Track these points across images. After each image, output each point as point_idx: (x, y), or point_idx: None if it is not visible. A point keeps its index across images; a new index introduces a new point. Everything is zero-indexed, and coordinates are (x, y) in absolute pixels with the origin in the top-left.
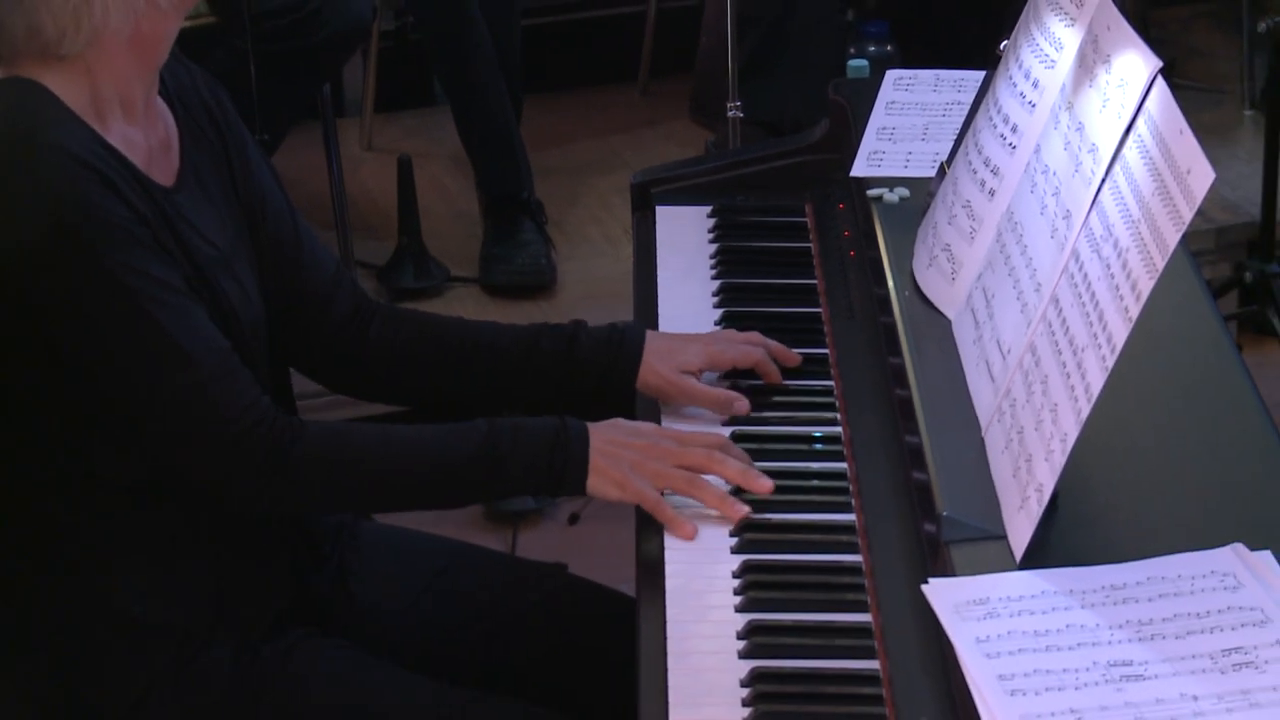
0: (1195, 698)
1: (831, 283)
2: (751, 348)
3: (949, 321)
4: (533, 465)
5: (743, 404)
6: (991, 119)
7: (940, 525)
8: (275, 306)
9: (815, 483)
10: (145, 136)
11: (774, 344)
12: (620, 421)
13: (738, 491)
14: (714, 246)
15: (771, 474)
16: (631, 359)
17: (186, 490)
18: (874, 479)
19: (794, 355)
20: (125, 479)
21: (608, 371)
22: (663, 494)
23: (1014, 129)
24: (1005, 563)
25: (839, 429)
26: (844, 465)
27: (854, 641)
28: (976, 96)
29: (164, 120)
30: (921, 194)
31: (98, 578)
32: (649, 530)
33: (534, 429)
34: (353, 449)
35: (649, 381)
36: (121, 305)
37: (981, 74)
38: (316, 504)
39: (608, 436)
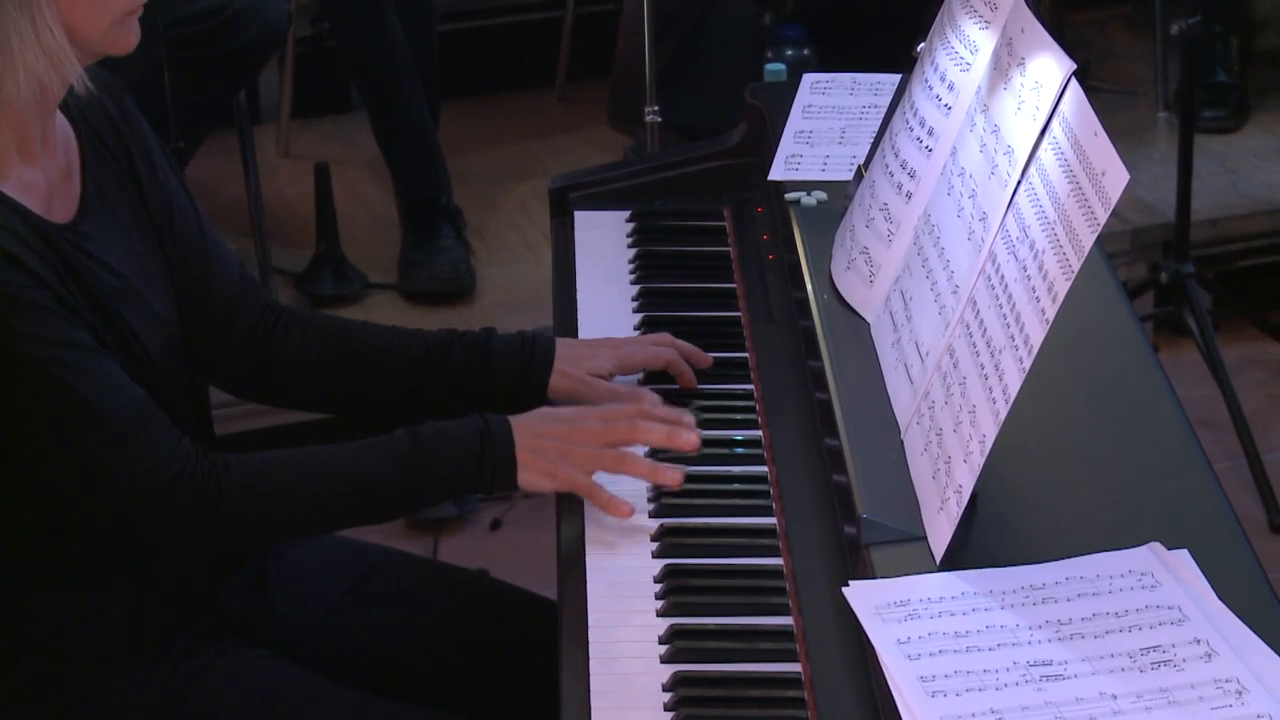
0: (1114, 696)
1: (750, 286)
2: (661, 349)
3: (868, 324)
4: (462, 469)
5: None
6: (908, 122)
7: (860, 527)
8: (184, 316)
9: (736, 487)
10: (44, 171)
11: (684, 345)
12: (544, 410)
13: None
14: (633, 251)
15: (693, 479)
16: (543, 367)
17: (112, 534)
18: (794, 482)
19: (705, 356)
20: (43, 520)
21: (520, 380)
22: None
23: (930, 132)
24: (925, 564)
25: (759, 433)
26: (764, 469)
27: (775, 645)
28: (893, 99)
29: (64, 142)
30: (839, 197)
31: (11, 609)
32: (570, 535)
33: (458, 433)
34: (280, 479)
35: (560, 386)
36: (30, 375)
37: (898, 77)
38: (250, 539)
39: (531, 429)
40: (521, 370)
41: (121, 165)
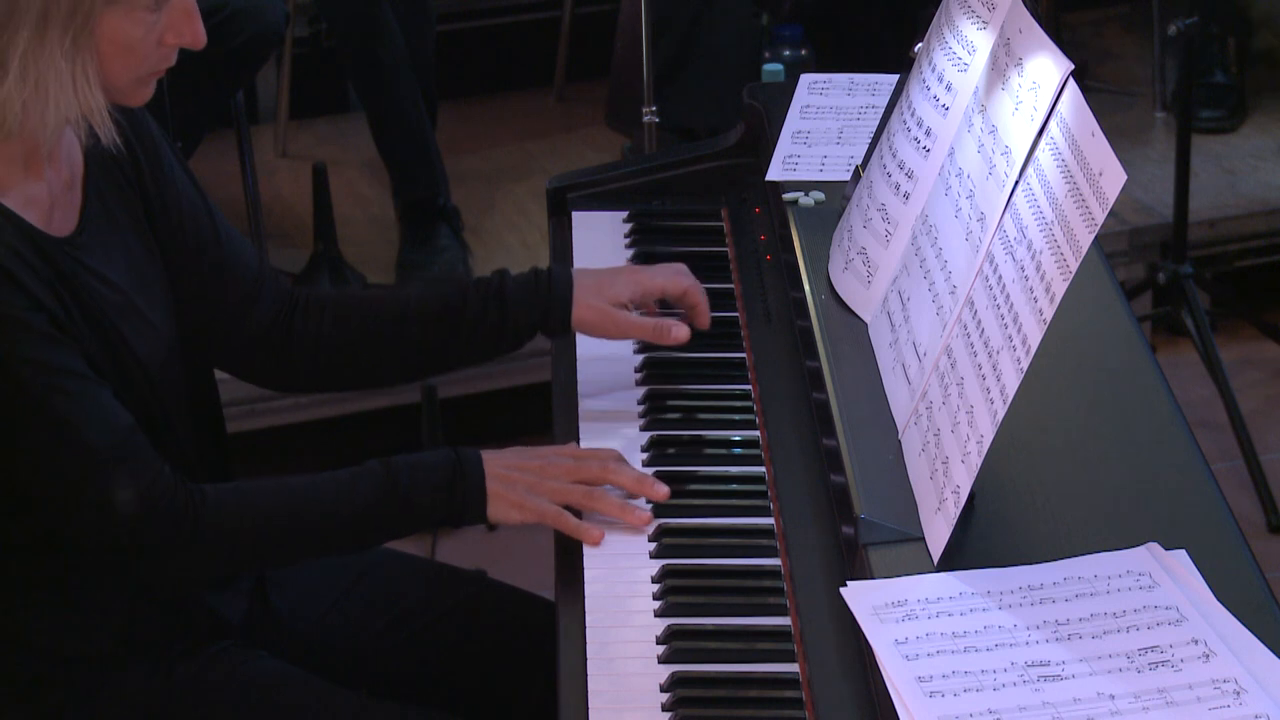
0: (1112, 697)
1: (748, 287)
2: (680, 276)
3: (865, 325)
4: (434, 500)
5: (681, 330)
6: (905, 122)
7: (858, 528)
8: (199, 312)
9: (734, 487)
10: (48, 183)
11: (697, 285)
12: (518, 448)
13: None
14: (630, 251)
15: (690, 479)
16: (563, 301)
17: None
18: (792, 483)
19: (707, 315)
20: (34, 532)
21: (541, 317)
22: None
23: (928, 132)
24: (923, 564)
25: (757, 433)
26: (762, 469)
27: (773, 645)
28: (890, 100)
29: (68, 153)
30: (837, 198)
31: (6, 612)
32: (567, 536)
33: (430, 464)
34: (256, 511)
35: (584, 318)
36: (20, 399)
37: (895, 77)
38: (226, 569)
39: (502, 462)
40: (541, 307)
41: (125, 170)
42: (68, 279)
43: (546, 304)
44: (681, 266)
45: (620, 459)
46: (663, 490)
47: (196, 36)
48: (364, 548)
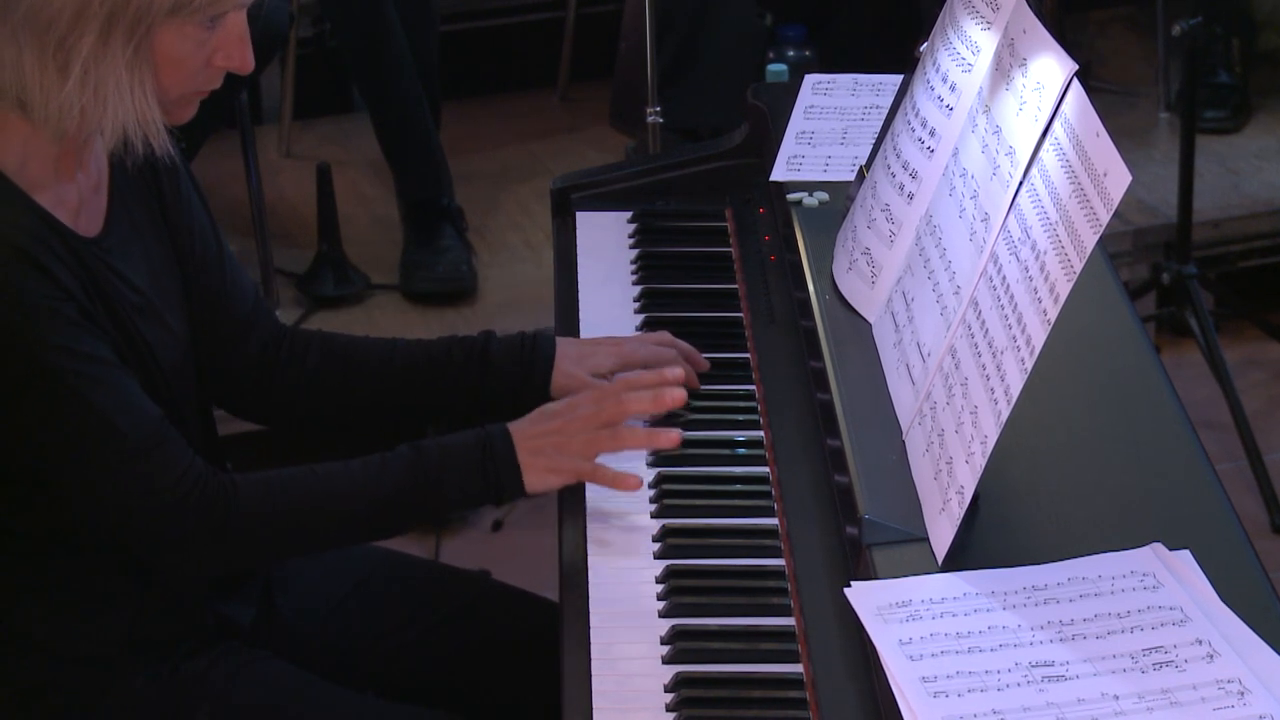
0: (1116, 697)
1: (752, 287)
2: (663, 349)
3: (869, 325)
4: (467, 480)
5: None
6: (909, 123)
7: (862, 528)
8: (198, 334)
9: (738, 487)
10: (77, 185)
11: (683, 345)
12: (539, 410)
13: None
14: (634, 252)
15: (694, 479)
16: (544, 366)
17: (116, 547)
18: (796, 483)
19: (702, 360)
20: (41, 527)
21: (522, 381)
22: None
23: (932, 133)
24: (927, 565)
25: (761, 434)
26: (766, 470)
27: (777, 645)
28: (894, 100)
29: (96, 157)
30: (841, 198)
31: (10, 611)
32: (572, 536)
33: (459, 444)
34: (288, 499)
35: (563, 386)
36: (51, 387)
37: (899, 78)
38: (259, 559)
39: (528, 432)
40: (523, 371)
41: (147, 181)
42: (94, 277)
43: (528, 369)
44: (665, 336)
45: (631, 385)
46: (679, 395)
47: (245, 62)
48: (398, 532)
